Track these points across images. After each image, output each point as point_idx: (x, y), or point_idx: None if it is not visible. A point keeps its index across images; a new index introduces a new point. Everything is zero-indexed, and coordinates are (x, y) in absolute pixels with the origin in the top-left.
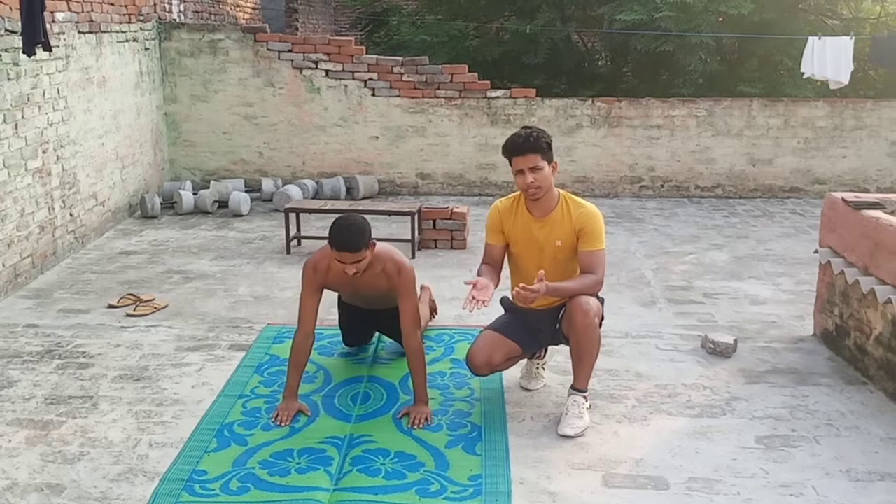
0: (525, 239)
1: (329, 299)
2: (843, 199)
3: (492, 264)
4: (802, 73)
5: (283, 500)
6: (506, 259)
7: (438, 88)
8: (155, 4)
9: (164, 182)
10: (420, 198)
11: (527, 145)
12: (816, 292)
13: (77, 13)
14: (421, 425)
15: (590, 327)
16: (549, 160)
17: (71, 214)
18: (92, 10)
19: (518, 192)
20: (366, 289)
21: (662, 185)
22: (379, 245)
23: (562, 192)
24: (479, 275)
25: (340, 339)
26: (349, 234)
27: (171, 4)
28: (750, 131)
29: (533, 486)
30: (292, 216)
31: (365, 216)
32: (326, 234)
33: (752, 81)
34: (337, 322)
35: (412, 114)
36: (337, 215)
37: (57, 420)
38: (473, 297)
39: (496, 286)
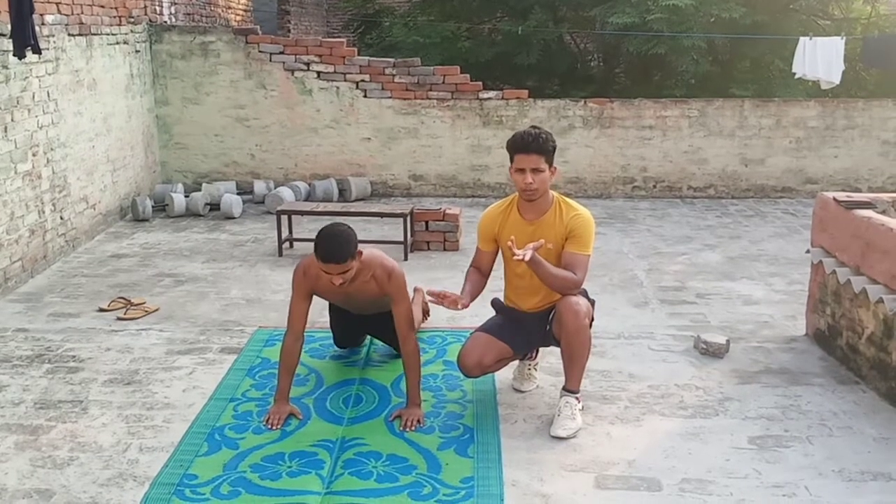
0: (517, 242)
1: (321, 302)
2: (834, 199)
3: (480, 269)
4: (794, 74)
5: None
6: (500, 258)
7: (430, 90)
8: (146, 7)
9: (156, 185)
10: (412, 199)
11: (534, 145)
12: (808, 292)
13: (67, 16)
14: (413, 427)
15: (580, 328)
16: (551, 164)
17: (61, 218)
18: (82, 13)
19: (511, 197)
20: (356, 296)
21: (655, 186)
22: (367, 251)
23: (556, 194)
24: (466, 279)
25: (332, 341)
26: (334, 245)
27: (161, 6)
28: (742, 132)
29: (525, 488)
30: (284, 218)
31: (356, 220)
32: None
33: (744, 83)
34: (328, 325)
35: (404, 115)
36: (329, 219)
37: (46, 425)
38: (442, 298)
39: (479, 292)
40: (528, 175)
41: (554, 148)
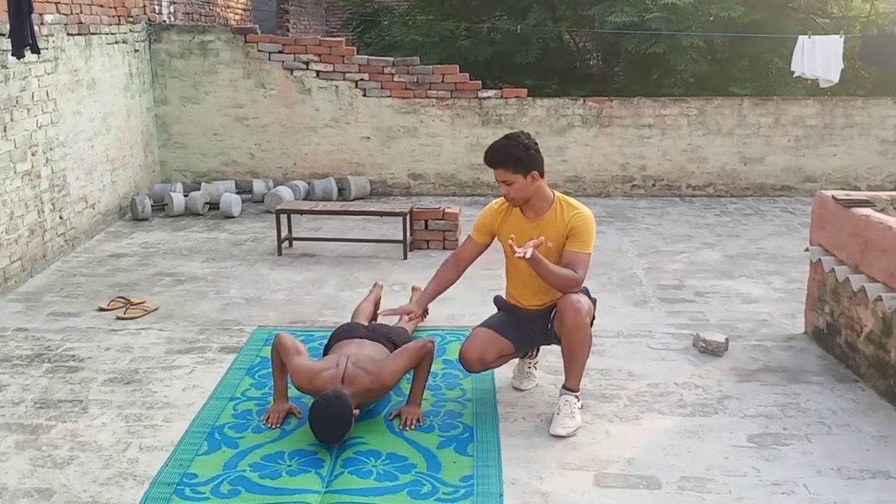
0: (517, 240)
1: (320, 300)
2: (833, 198)
3: (460, 259)
4: (793, 72)
5: (274, 502)
6: (502, 256)
7: (430, 89)
8: (144, 6)
9: (155, 184)
10: (412, 198)
11: (494, 159)
12: (807, 290)
13: (66, 15)
14: (413, 426)
15: (581, 326)
16: (524, 171)
17: (61, 217)
18: (81, 13)
19: None
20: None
21: (654, 185)
22: (355, 383)
23: (557, 193)
24: (435, 274)
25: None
26: (331, 431)
27: (160, 6)
28: (741, 130)
29: (525, 487)
30: (283, 217)
31: (355, 219)
32: (318, 235)
33: (743, 81)
34: (328, 325)
35: (403, 114)
36: (328, 218)
37: (46, 424)
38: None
39: (445, 289)
40: (503, 186)
41: (520, 158)
